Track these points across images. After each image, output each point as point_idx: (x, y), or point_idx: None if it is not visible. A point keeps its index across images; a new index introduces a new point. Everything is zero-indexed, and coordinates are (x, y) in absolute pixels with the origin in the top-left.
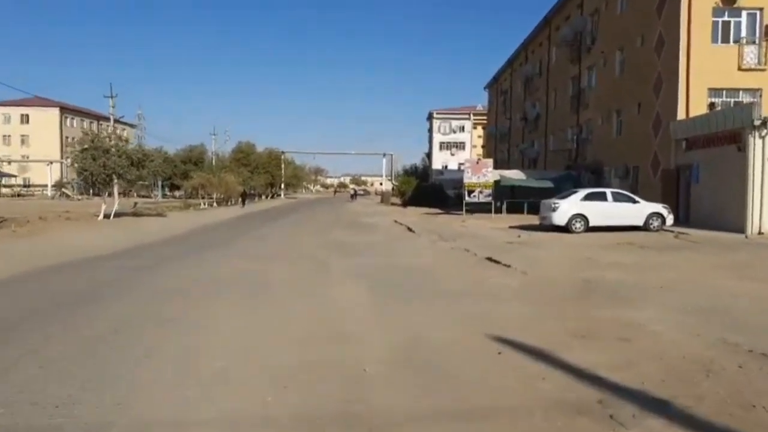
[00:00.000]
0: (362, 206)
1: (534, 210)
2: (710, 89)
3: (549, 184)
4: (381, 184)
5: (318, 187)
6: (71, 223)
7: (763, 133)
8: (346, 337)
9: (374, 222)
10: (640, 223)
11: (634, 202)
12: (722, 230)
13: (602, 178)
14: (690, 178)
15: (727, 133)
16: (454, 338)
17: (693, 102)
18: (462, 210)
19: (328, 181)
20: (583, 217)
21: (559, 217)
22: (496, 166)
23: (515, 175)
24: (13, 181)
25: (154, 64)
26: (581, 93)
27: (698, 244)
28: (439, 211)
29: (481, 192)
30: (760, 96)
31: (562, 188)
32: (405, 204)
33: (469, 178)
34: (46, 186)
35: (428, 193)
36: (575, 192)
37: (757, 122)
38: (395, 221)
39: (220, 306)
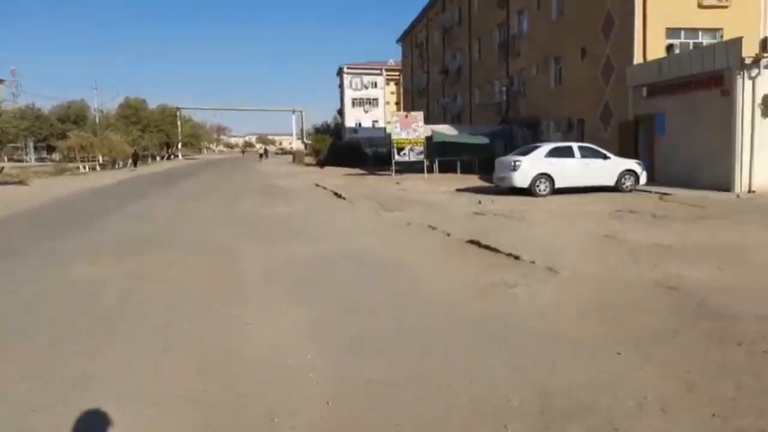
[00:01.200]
0: (273, 166)
1: (468, 169)
2: (669, 29)
3: (484, 140)
4: (290, 143)
5: (221, 147)
6: None
7: (753, 74)
8: None
9: (292, 185)
10: (612, 182)
11: (605, 157)
12: (700, 188)
13: (539, 134)
14: (655, 130)
15: (705, 75)
16: None
17: (651, 44)
18: (389, 170)
19: (233, 140)
20: (549, 178)
21: (521, 178)
22: None
23: (447, 130)
24: None
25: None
26: (510, 41)
27: (709, 209)
28: (362, 171)
29: (411, 149)
30: (721, 37)
31: (497, 145)
32: (321, 164)
33: (398, 134)
34: None
35: (345, 152)
36: (537, 147)
37: (748, 60)
38: (316, 184)
39: None
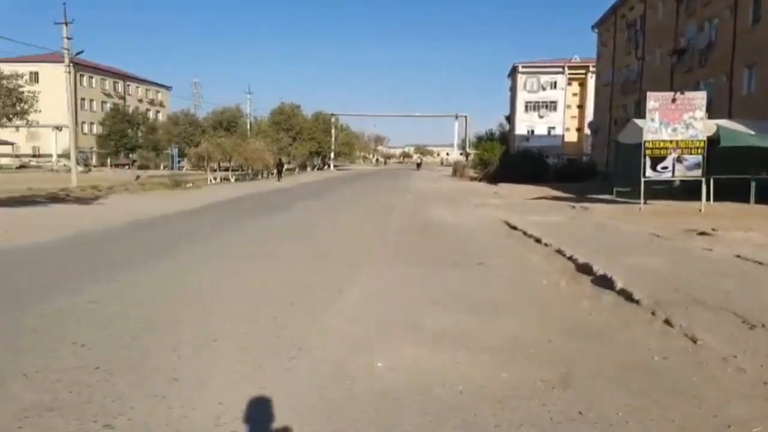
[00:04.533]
0: (430, 182)
1: (763, 196)
2: None
3: None
4: (447, 154)
5: (378, 157)
6: None
7: None
8: None
9: (463, 224)
10: None
11: None
12: None
13: None
14: None
15: None
16: None
17: None
18: (602, 191)
19: (391, 151)
20: None
21: None
22: (617, 126)
23: (735, 126)
24: (19, 150)
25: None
26: None
27: None
28: (563, 193)
29: (679, 160)
30: None
31: None
32: (492, 179)
33: (656, 132)
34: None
35: (522, 164)
36: None
37: None
38: (511, 225)
39: None
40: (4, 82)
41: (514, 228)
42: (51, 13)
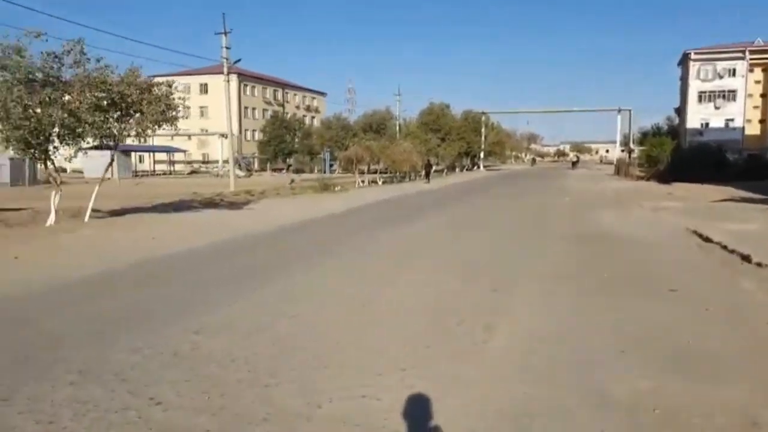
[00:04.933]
0: (591, 181)
1: None
2: None
3: None
4: (607, 151)
5: (532, 156)
6: None
7: None
8: None
9: (639, 234)
10: None
11: None
12: None
13: None
14: None
15: None
16: None
17: None
18: None
19: (545, 149)
20: None
21: None
22: None
23: None
24: (191, 157)
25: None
26: None
27: None
28: (745, 193)
29: None
30: None
31: None
32: (663, 178)
33: None
34: (217, 162)
35: (696, 160)
36: None
37: None
38: (700, 236)
39: None
40: (155, 89)
41: (708, 240)
42: (215, 25)
